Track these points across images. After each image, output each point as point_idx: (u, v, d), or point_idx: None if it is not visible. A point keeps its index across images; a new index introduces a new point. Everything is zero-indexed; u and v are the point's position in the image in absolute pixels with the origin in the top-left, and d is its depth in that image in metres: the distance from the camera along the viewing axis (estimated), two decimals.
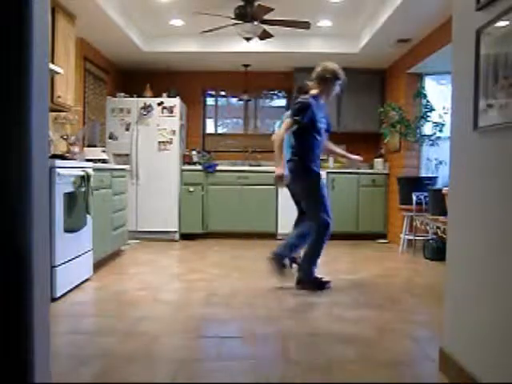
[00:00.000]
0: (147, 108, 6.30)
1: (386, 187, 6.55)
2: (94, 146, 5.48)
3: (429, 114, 5.41)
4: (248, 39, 5.03)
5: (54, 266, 3.26)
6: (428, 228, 5.00)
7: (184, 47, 6.09)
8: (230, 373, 2.17)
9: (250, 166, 6.88)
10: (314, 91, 3.89)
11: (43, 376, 1.16)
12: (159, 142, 6.32)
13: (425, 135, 5.50)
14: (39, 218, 1.14)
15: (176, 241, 6.31)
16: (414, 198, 5.20)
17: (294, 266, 3.99)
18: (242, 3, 4.71)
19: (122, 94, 6.45)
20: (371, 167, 6.90)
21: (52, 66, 3.86)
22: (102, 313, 3.18)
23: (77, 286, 3.67)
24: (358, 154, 7.07)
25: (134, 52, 6.08)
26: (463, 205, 2.09)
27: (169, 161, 6.33)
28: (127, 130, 6.33)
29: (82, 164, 3.91)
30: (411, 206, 5.25)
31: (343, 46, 6.03)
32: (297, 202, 4.10)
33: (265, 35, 5.14)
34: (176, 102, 6.35)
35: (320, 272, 4.46)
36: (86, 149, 5.15)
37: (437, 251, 4.88)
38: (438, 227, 4.54)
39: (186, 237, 6.40)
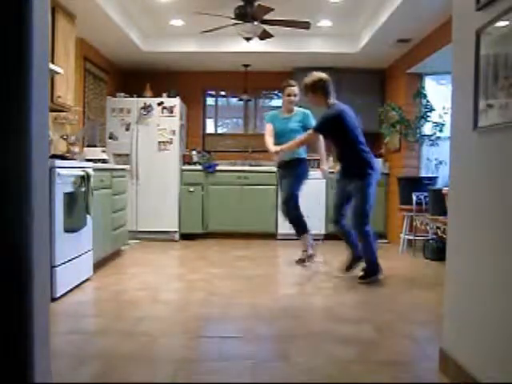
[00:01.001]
0: (147, 108, 6.30)
1: (386, 187, 6.54)
2: (94, 146, 5.48)
3: (429, 114, 5.40)
4: (248, 39, 5.03)
5: (54, 266, 3.26)
6: (428, 228, 5.00)
7: (184, 47, 6.09)
8: (229, 373, 2.17)
9: (250, 166, 6.88)
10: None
11: (43, 376, 1.16)
12: (159, 142, 6.31)
13: (425, 135, 5.49)
14: (39, 217, 1.14)
15: (176, 241, 6.30)
16: (414, 198, 5.20)
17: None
18: (241, 3, 4.71)
19: (122, 94, 6.45)
20: None
21: (52, 66, 3.86)
22: (101, 313, 3.18)
23: (77, 286, 3.67)
24: None
25: (134, 52, 6.08)
26: (463, 205, 2.09)
27: (169, 161, 6.33)
28: (127, 130, 6.33)
29: (82, 164, 3.90)
30: (411, 206, 5.25)
31: (343, 46, 6.03)
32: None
33: (265, 35, 5.14)
34: (176, 102, 6.35)
35: (320, 272, 4.46)
36: (85, 149, 5.15)
37: (437, 251, 4.88)
38: (438, 227, 4.54)
39: (185, 237, 6.40)
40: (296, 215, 4.67)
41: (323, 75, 4.21)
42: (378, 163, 4.09)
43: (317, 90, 4.17)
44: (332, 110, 4.13)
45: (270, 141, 4.65)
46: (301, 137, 4.38)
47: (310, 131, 4.26)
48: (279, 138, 4.65)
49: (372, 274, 3.99)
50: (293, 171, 4.71)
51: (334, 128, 4.10)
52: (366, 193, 4.01)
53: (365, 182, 4.00)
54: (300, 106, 4.85)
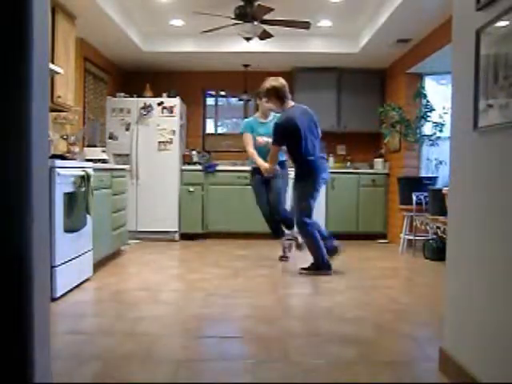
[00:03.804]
0: (147, 108, 6.30)
1: (386, 187, 6.55)
2: (94, 146, 5.48)
3: (429, 113, 5.40)
4: (248, 39, 5.03)
5: (54, 266, 3.26)
6: (428, 228, 5.00)
7: (184, 47, 6.09)
8: (230, 373, 2.17)
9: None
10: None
11: (43, 376, 1.16)
12: (159, 142, 6.31)
13: (425, 135, 5.50)
14: (39, 218, 1.14)
15: (176, 241, 6.31)
16: (414, 198, 5.20)
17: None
18: (242, 3, 4.71)
19: (122, 94, 6.45)
20: (371, 167, 6.90)
21: (52, 66, 3.86)
22: (102, 313, 3.18)
23: (77, 286, 3.67)
24: (358, 154, 7.15)
25: (134, 52, 6.08)
26: (463, 205, 2.09)
27: (169, 161, 6.33)
28: (127, 130, 6.33)
29: (81, 164, 3.90)
30: (411, 206, 5.25)
31: (343, 45, 6.03)
32: None
33: (265, 35, 5.14)
34: (176, 101, 6.35)
35: (320, 271, 4.44)
36: (85, 149, 5.15)
37: (437, 251, 4.88)
38: (438, 227, 4.54)
39: (185, 237, 6.40)
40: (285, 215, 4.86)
41: (275, 83, 4.35)
42: (320, 166, 4.33)
43: (270, 96, 4.39)
44: (281, 117, 4.34)
45: (256, 155, 4.80)
46: (270, 154, 4.50)
47: (271, 147, 4.43)
48: (260, 144, 4.80)
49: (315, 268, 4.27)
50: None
51: (285, 136, 4.27)
52: (303, 192, 4.28)
53: (300, 184, 4.30)
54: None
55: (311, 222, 4.29)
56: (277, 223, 4.87)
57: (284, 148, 4.43)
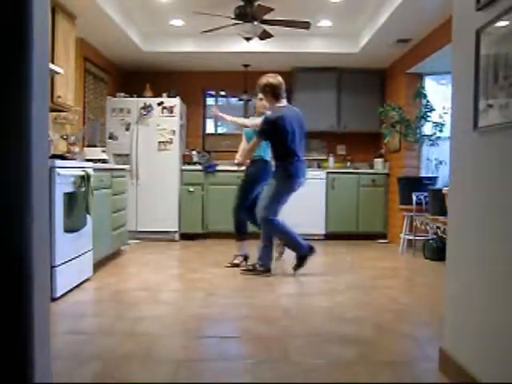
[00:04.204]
0: (147, 108, 6.30)
1: (386, 187, 6.55)
2: (94, 146, 5.48)
3: (429, 113, 5.40)
4: (248, 39, 5.03)
5: (54, 266, 3.26)
6: (428, 228, 5.00)
7: (184, 47, 6.09)
8: (230, 373, 2.17)
9: None
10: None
11: (43, 376, 1.16)
12: (159, 141, 6.32)
13: (425, 135, 5.50)
14: (39, 218, 1.14)
15: (176, 241, 6.31)
16: (414, 198, 5.20)
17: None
18: (242, 3, 4.71)
19: (122, 94, 6.45)
20: (371, 167, 6.90)
21: (52, 66, 3.86)
22: (101, 313, 3.18)
23: (77, 286, 3.67)
24: (358, 154, 7.16)
25: (134, 52, 6.08)
26: (463, 205, 2.09)
27: (169, 161, 6.33)
28: (127, 130, 6.33)
29: (82, 164, 3.90)
30: (411, 206, 5.25)
31: (343, 45, 6.04)
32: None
33: (265, 35, 5.14)
34: (176, 101, 6.35)
35: (320, 272, 4.46)
36: (85, 149, 5.15)
37: (437, 251, 4.88)
38: (438, 227, 4.54)
39: (186, 237, 6.40)
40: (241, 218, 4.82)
41: (273, 80, 4.33)
42: (301, 170, 4.32)
43: (266, 92, 4.37)
44: (272, 114, 4.30)
45: (239, 151, 4.91)
46: (250, 144, 4.47)
47: (254, 137, 4.38)
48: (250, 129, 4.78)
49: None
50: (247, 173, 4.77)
51: (271, 132, 4.25)
52: (278, 192, 4.25)
53: (277, 183, 4.26)
54: None
55: (277, 219, 4.30)
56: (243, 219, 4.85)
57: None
